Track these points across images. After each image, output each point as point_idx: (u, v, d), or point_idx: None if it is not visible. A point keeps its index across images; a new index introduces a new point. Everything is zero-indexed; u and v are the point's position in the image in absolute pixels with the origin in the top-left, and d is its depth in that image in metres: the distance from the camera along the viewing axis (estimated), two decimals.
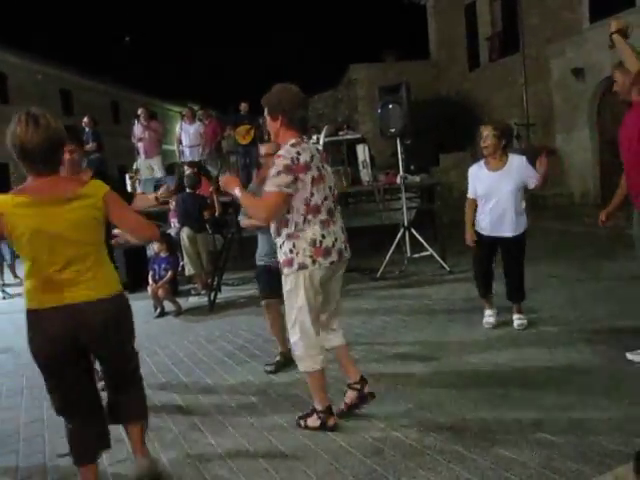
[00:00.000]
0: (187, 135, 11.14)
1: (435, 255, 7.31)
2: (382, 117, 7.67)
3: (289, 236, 3.06)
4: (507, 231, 4.54)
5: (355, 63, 19.77)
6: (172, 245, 7.16)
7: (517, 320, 4.70)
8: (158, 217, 8.12)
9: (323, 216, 3.08)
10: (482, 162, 4.67)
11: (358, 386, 3.32)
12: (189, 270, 7.23)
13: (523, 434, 2.90)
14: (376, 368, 4.07)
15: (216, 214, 7.79)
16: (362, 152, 8.61)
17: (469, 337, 4.59)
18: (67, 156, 3.41)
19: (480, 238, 4.68)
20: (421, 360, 4.17)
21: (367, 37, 41.22)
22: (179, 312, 6.51)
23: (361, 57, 25.22)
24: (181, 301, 6.78)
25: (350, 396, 3.33)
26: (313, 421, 3.21)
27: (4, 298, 8.43)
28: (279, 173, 2.97)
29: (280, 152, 3.06)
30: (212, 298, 6.60)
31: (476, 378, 3.72)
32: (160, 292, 6.49)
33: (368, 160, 8.63)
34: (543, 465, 2.60)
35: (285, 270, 3.09)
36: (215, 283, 6.78)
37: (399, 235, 7.46)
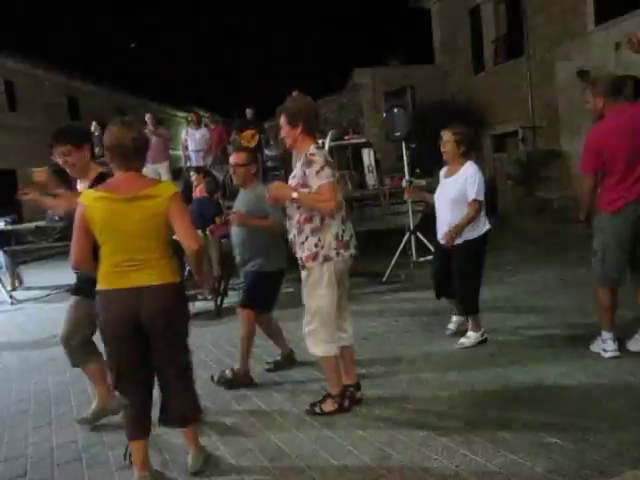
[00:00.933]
0: (193, 140, 11.19)
1: None
2: (387, 121, 7.68)
3: (314, 230, 3.27)
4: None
5: (359, 67, 19.80)
6: (179, 249, 7.17)
7: (462, 337, 4.45)
8: None
9: (343, 212, 3.36)
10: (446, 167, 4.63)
11: (352, 389, 3.49)
12: None
13: (532, 438, 2.89)
14: (381, 371, 4.07)
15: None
16: (367, 156, 8.63)
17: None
18: (63, 158, 3.39)
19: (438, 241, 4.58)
20: (427, 363, 4.17)
21: (371, 41, 41.37)
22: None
23: (365, 61, 25.29)
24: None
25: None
26: (329, 406, 3.40)
27: (12, 304, 8.46)
28: (323, 167, 3.20)
29: (311, 152, 3.27)
30: (219, 303, 6.61)
31: (484, 382, 3.71)
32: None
33: (373, 164, 8.65)
34: (550, 470, 2.59)
35: (309, 264, 3.28)
36: (222, 288, 6.79)
37: (405, 239, 7.45)
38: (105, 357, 2.87)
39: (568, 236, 9.41)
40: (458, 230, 4.24)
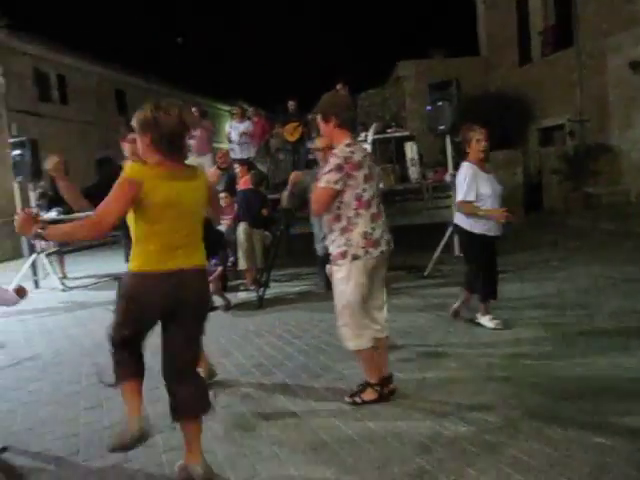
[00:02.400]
0: (237, 133, 11.33)
1: None
2: (431, 114, 7.62)
3: (342, 230, 3.35)
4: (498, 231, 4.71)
5: (403, 60, 19.63)
6: (222, 241, 7.31)
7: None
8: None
9: (373, 210, 3.38)
10: (472, 164, 4.69)
11: (384, 381, 3.53)
12: (242, 265, 7.38)
13: (578, 437, 2.85)
14: (423, 364, 4.07)
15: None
16: (410, 150, 8.58)
17: (519, 336, 4.52)
18: (126, 145, 3.63)
19: (484, 239, 4.69)
20: (470, 358, 4.14)
21: (415, 34, 40.81)
22: (228, 307, 6.63)
23: (409, 54, 25.01)
24: (230, 296, 6.91)
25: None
26: (369, 395, 3.47)
27: (63, 291, 8.78)
28: (330, 171, 3.28)
29: (335, 151, 3.34)
30: (261, 294, 6.71)
31: (529, 377, 3.67)
32: (210, 287, 6.62)
33: (416, 158, 8.59)
34: (598, 468, 2.56)
35: (339, 262, 3.37)
36: (264, 279, 6.88)
37: (447, 233, 7.38)
38: (119, 310, 2.81)
39: (616, 233, 9.16)
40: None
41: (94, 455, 3.22)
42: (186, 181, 2.71)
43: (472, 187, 4.59)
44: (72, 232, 2.75)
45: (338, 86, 10.69)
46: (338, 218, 3.35)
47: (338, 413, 3.42)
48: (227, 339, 5.33)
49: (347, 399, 3.52)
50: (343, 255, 3.34)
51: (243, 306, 6.74)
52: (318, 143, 4.56)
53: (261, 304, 6.61)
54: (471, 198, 4.59)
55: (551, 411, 3.17)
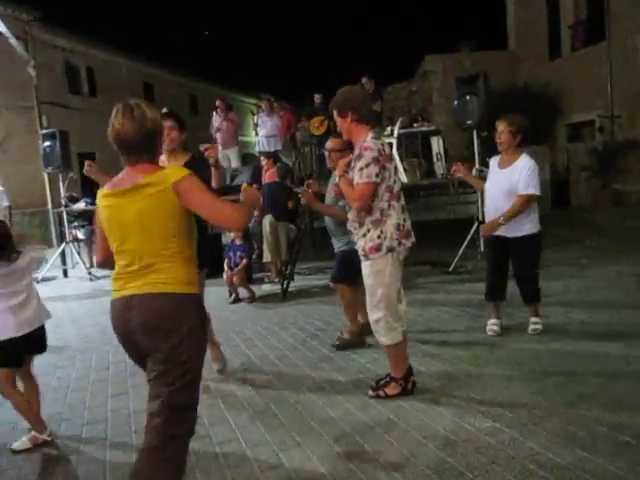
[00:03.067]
0: (264, 126, 11.37)
1: None
2: (458, 108, 7.53)
3: (375, 223, 3.31)
4: (510, 231, 4.30)
5: (430, 54, 19.47)
6: (247, 233, 7.37)
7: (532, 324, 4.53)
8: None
9: (402, 201, 3.40)
10: (499, 157, 4.48)
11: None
12: (266, 257, 7.43)
13: (604, 436, 2.82)
14: (447, 359, 4.06)
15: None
16: (436, 144, 8.52)
17: (543, 333, 4.47)
18: (166, 132, 3.48)
19: (490, 237, 4.50)
20: (494, 354, 4.11)
21: (443, 27, 40.42)
22: (253, 299, 6.69)
23: (437, 48, 24.79)
24: (255, 288, 6.96)
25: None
26: (392, 389, 3.46)
27: (91, 280, 8.94)
28: (368, 165, 3.21)
29: (367, 144, 3.26)
30: (285, 286, 6.74)
31: (554, 374, 3.64)
32: (235, 279, 6.70)
33: (442, 152, 8.53)
34: (624, 469, 2.53)
35: (372, 255, 3.31)
36: (288, 272, 6.92)
37: (473, 229, 7.33)
38: None
39: None
40: (505, 221, 4.21)
41: (122, 441, 3.29)
42: (128, 194, 2.24)
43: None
44: None
45: (363, 80, 10.65)
46: (370, 211, 3.30)
47: (361, 405, 3.43)
48: (251, 330, 5.38)
49: (371, 393, 3.52)
50: (377, 248, 3.29)
51: (267, 298, 6.79)
52: (330, 144, 4.34)
53: (285, 296, 6.65)
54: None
55: (575, 410, 3.13)
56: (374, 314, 3.39)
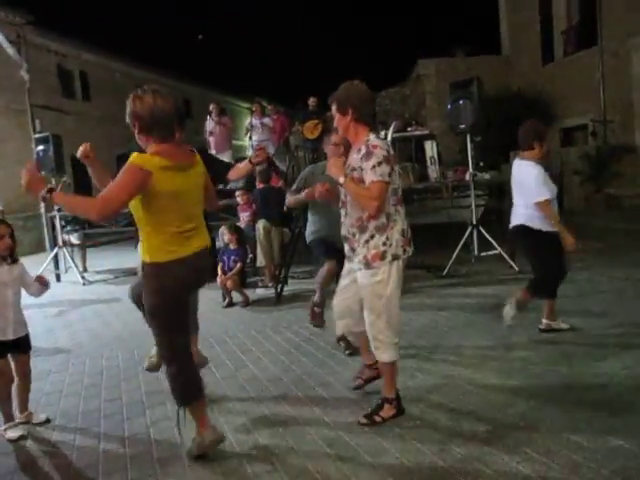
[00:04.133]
0: (257, 130, 11.37)
1: (504, 254, 7.15)
2: (452, 113, 7.56)
3: (380, 229, 3.08)
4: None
5: (424, 58, 19.54)
6: (242, 238, 7.36)
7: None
8: (228, 211, 8.36)
9: (404, 208, 3.23)
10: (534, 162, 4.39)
11: (377, 367, 3.46)
12: (260, 261, 7.42)
13: (597, 440, 2.83)
14: (442, 364, 4.06)
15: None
16: (430, 148, 8.55)
17: (537, 339, 4.48)
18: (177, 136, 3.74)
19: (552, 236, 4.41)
20: (487, 359, 4.12)
21: (436, 32, 40.58)
22: (247, 303, 6.68)
23: (430, 52, 24.88)
24: (249, 292, 6.95)
25: (368, 374, 3.60)
26: (387, 411, 3.24)
27: (84, 284, 8.90)
28: (380, 164, 3.00)
29: (374, 143, 3.07)
30: (279, 290, 6.73)
31: (547, 381, 3.64)
32: (229, 283, 6.68)
33: (436, 156, 8.56)
34: (616, 472, 2.53)
35: (375, 264, 3.08)
36: (282, 276, 6.91)
37: (467, 233, 7.35)
38: (160, 330, 2.88)
39: (639, 235, 9.03)
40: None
41: (115, 446, 3.27)
42: (189, 169, 2.82)
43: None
44: (75, 206, 2.70)
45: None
46: (376, 215, 3.07)
47: (355, 409, 3.42)
48: (245, 334, 5.37)
49: (363, 421, 3.22)
50: (381, 256, 3.07)
51: (261, 302, 6.78)
52: (334, 138, 4.31)
53: (279, 300, 6.64)
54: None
55: (567, 415, 3.14)
56: (373, 328, 3.16)
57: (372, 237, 3.10)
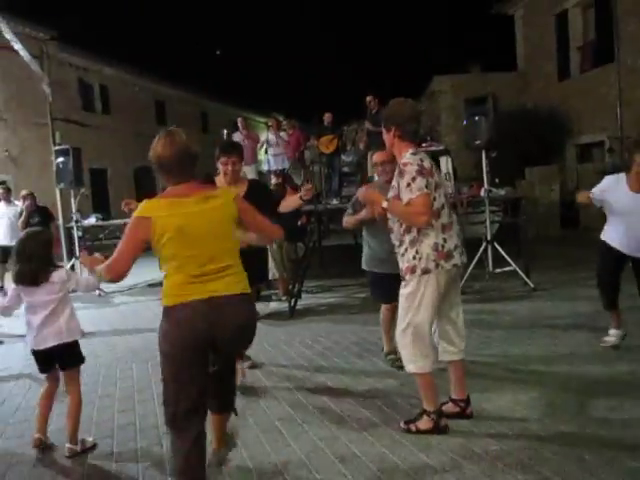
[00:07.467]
0: (273, 144, 11.47)
1: (519, 271, 7.12)
2: (467, 129, 7.59)
3: (412, 242, 3.16)
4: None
5: (439, 74, 19.61)
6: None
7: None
8: None
9: (444, 220, 3.18)
10: (622, 176, 4.38)
11: (462, 404, 3.40)
12: (273, 275, 7.46)
13: (612, 460, 2.80)
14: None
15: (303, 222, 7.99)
16: (445, 164, 8.54)
17: (552, 354, 4.45)
18: (231, 167, 3.98)
19: (610, 250, 4.52)
20: (500, 376, 4.09)
21: (452, 48, 40.65)
22: (260, 316, 6.68)
23: (445, 68, 24.95)
24: (262, 306, 6.97)
25: (450, 409, 3.40)
26: (425, 423, 3.23)
27: (99, 295, 8.98)
28: (414, 179, 3.06)
29: (405, 160, 3.16)
30: (292, 304, 6.75)
31: (561, 395, 3.61)
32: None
33: (451, 172, 8.55)
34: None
35: (407, 277, 3.18)
36: (296, 290, 6.93)
37: (481, 249, 7.32)
38: (163, 384, 2.58)
39: None
40: None
41: (128, 457, 3.29)
42: (197, 204, 2.50)
43: None
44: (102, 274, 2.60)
45: (368, 98, 10.80)
46: (409, 230, 3.16)
47: (368, 425, 3.42)
48: (259, 348, 5.36)
49: (402, 425, 3.32)
50: (412, 270, 3.14)
51: (275, 316, 6.80)
52: (377, 157, 4.34)
53: (292, 314, 6.65)
54: None
55: (584, 433, 3.11)
56: (401, 338, 3.24)
57: (406, 250, 3.20)
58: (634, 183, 4.27)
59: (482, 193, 7.69)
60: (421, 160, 3.13)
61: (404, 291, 3.21)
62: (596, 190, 4.54)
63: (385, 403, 3.72)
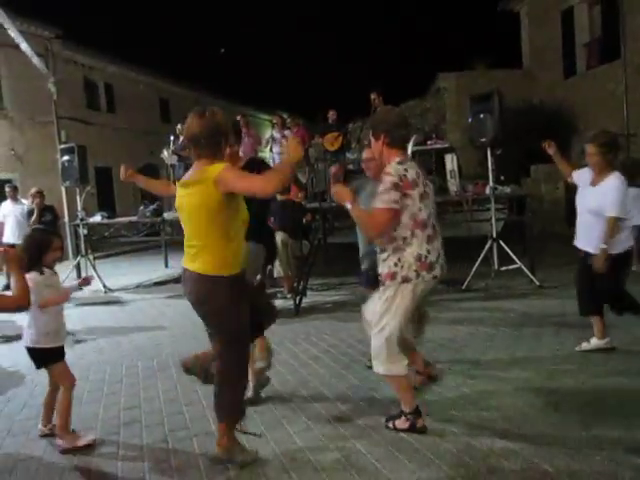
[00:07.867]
0: (277, 142, 11.47)
1: (524, 268, 7.10)
2: (473, 126, 7.55)
3: (395, 249, 3.16)
4: (592, 248, 4.22)
5: (444, 72, 19.55)
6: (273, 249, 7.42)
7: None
8: None
9: (429, 231, 3.18)
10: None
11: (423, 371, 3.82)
12: (278, 272, 7.46)
13: (620, 459, 2.79)
14: (460, 378, 4.03)
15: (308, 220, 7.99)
16: (450, 162, 8.51)
17: (558, 353, 4.44)
18: (228, 150, 3.84)
19: (578, 251, 4.43)
20: (506, 374, 4.08)
21: (457, 45, 40.59)
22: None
23: (451, 65, 24.90)
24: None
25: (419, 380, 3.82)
26: (401, 423, 3.29)
27: (105, 293, 9.01)
28: (387, 190, 3.07)
29: (387, 169, 3.16)
30: (298, 302, 6.76)
31: (567, 396, 3.60)
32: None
33: (456, 170, 8.52)
34: None
35: (387, 282, 3.18)
36: (301, 287, 6.93)
37: (487, 247, 7.31)
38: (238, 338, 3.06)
39: None
40: (602, 254, 4.09)
41: (133, 454, 3.30)
42: (186, 187, 2.91)
43: None
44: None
45: (372, 95, 10.72)
46: (393, 238, 3.15)
47: (373, 424, 3.41)
48: None
49: (384, 422, 3.38)
50: (392, 277, 3.14)
51: (280, 313, 6.75)
52: (366, 154, 4.39)
53: (298, 312, 6.66)
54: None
55: (589, 432, 3.10)
56: (375, 340, 3.23)
57: (388, 257, 3.20)
58: (595, 176, 4.27)
59: (487, 191, 7.67)
60: (405, 170, 3.12)
61: (382, 295, 3.20)
62: (576, 172, 4.51)
63: (392, 401, 3.72)
